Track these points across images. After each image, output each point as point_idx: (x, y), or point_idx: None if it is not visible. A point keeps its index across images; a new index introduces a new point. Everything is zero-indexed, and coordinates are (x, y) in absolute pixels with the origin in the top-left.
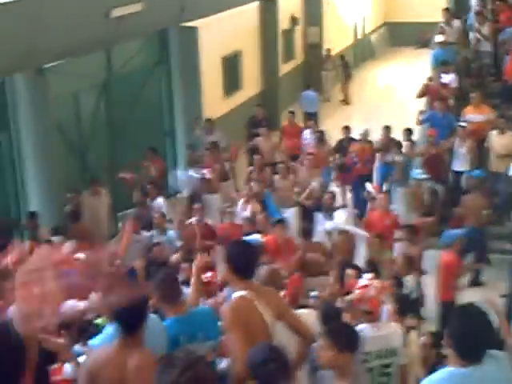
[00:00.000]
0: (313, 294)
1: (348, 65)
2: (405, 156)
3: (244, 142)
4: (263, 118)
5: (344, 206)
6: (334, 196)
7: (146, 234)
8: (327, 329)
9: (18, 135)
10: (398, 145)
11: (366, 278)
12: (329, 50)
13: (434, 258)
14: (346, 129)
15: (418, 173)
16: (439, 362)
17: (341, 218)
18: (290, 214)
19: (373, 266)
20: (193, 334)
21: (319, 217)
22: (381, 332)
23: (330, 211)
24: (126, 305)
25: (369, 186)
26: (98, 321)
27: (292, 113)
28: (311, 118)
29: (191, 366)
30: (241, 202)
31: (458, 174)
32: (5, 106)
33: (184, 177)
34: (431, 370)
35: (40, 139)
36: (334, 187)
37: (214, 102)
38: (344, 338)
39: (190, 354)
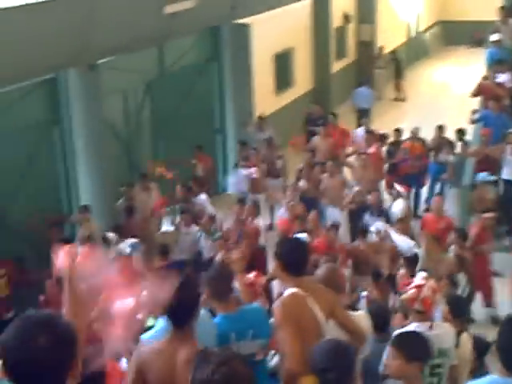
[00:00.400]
0: (363, 294)
1: (400, 62)
2: (458, 156)
3: (302, 140)
4: (320, 115)
5: (399, 196)
6: (379, 196)
7: (195, 227)
8: (397, 338)
9: (70, 129)
10: (451, 144)
11: (421, 277)
12: (381, 48)
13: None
14: (397, 131)
15: (484, 175)
16: (478, 368)
17: (399, 207)
18: (339, 214)
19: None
20: (243, 331)
21: (367, 218)
22: (432, 332)
23: (376, 211)
24: (175, 300)
25: (398, 186)
26: (150, 323)
27: (334, 114)
28: (364, 114)
29: (226, 363)
30: (285, 202)
31: (508, 182)
32: (58, 100)
33: (235, 178)
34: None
35: (92, 134)
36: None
37: (266, 99)
38: (414, 347)
39: (225, 351)
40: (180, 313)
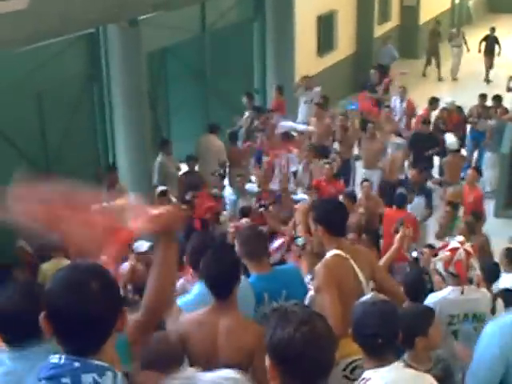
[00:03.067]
0: (414, 254)
1: (496, 40)
2: (496, 122)
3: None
4: (379, 82)
5: None
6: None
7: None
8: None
9: (109, 85)
10: (488, 111)
11: (457, 241)
12: (458, 28)
13: None
14: (435, 101)
15: None
16: None
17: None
18: (376, 177)
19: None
20: (276, 291)
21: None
22: (467, 296)
23: (415, 187)
24: (215, 271)
25: None
26: None
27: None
28: (383, 71)
29: (307, 322)
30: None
31: None
32: (98, 56)
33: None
34: None
35: (129, 91)
36: None
37: (307, 61)
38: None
39: (304, 308)
40: (222, 284)
